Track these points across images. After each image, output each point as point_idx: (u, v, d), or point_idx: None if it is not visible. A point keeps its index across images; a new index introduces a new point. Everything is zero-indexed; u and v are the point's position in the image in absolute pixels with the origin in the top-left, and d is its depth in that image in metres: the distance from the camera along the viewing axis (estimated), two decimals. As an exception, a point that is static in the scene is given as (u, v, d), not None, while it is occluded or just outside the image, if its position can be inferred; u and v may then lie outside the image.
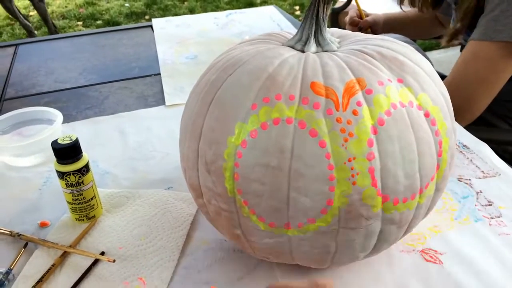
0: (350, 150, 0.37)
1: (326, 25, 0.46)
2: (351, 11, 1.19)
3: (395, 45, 0.45)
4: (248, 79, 0.41)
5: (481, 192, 0.61)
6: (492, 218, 0.57)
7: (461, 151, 0.69)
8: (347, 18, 1.20)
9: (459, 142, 0.71)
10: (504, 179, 0.63)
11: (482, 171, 0.65)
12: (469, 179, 0.63)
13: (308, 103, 0.38)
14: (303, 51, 0.45)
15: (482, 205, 0.59)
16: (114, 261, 0.51)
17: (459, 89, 0.83)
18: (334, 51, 0.45)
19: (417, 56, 0.45)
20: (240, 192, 0.40)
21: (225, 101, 0.41)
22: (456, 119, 0.78)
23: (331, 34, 0.49)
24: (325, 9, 0.45)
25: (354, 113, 0.38)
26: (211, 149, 0.41)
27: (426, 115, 0.40)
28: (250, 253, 0.47)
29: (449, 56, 2.39)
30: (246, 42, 0.49)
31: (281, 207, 0.39)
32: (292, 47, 0.46)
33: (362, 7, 1.30)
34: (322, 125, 0.37)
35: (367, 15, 1.19)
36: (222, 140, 0.40)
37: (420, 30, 1.23)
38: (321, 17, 0.45)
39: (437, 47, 2.65)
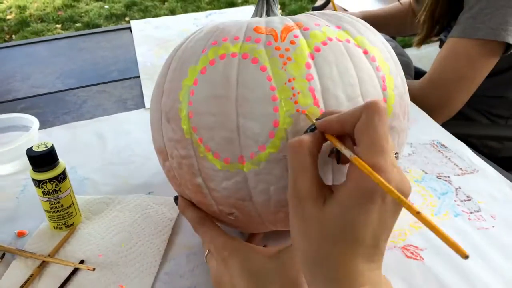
0: (289, 71, 0.40)
1: (277, 5, 0.50)
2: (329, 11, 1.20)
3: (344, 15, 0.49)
4: (202, 34, 0.45)
5: (459, 188, 0.62)
6: (471, 212, 0.57)
7: (439, 150, 0.69)
8: None
9: (438, 142, 0.71)
10: (482, 175, 0.64)
11: (461, 169, 0.65)
12: (448, 176, 0.64)
13: (250, 40, 0.42)
14: None
15: (461, 201, 0.59)
16: (93, 269, 0.50)
17: (438, 86, 0.84)
18: None
19: (365, 23, 0.48)
20: (195, 130, 0.42)
21: (182, 54, 0.45)
22: (435, 116, 0.79)
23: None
24: None
25: (292, 42, 0.41)
26: (169, 98, 0.44)
27: (365, 52, 0.43)
28: (214, 209, 0.46)
29: (428, 52, 2.42)
30: None
31: (233, 137, 0.40)
32: None
33: (346, 5, 1.30)
34: (263, 54, 0.41)
35: None
36: (178, 86, 0.43)
37: (398, 27, 1.24)
38: None
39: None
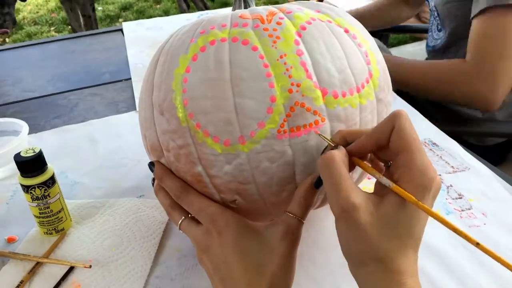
0: (280, 48, 0.41)
1: (253, 2, 0.52)
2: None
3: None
4: (187, 28, 0.46)
5: (451, 186, 0.62)
6: (462, 210, 0.57)
7: (430, 149, 0.69)
8: None
9: (429, 141, 0.71)
10: (473, 172, 0.64)
11: (452, 166, 0.65)
12: (440, 175, 0.64)
13: (238, 25, 0.44)
14: None
15: (453, 199, 0.59)
16: (90, 266, 0.51)
17: (479, 72, 0.79)
18: None
19: (339, 9, 0.50)
20: (191, 116, 0.42)
21: (170, 47, 0.45)
22: (482, 105, 0.78)
23: None
24: None
25: (278, 23, 0.43)
26: (161, 90, 0.44)
27: (346, 31, 0.45)
28: (216, 198, 0.45)
29: (422, 49, 2.42)
30: None
31: (231, 118, 0.41)
32: None
33: (337, 2, 1.29)
34: (252, 35, 0.42)
35: None
36: (169, 77, 0.43)
37: (390, 16, 1.24)
38: None
39: (410, 40, 2.69)
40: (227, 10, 1.40)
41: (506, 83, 0.80)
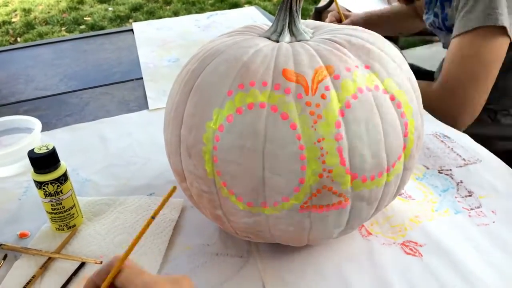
0: (319, 131, 0.40)
1: (300, 17, 0.48)
2: (331, 14, 1.19)
3: (365, 34, 0.47)
4: (224, 67, 0.43)
5: (461, 182, 0.61)
6: (471, 209, 0.57)
7: (442, 141, 0.69)
8: (327, 21, 1.21)
9: (440, 133, 0.71)
10: (485, 165, 0.64)
11: (463, 159, 0.65)
12: (450, 169, 0.64)
13: (279, 89, 0.40)
14: (277, 41, 0.47)
15: (462, 197, 0.59)
16: (101, 262, 0.52)
17: (453, 91, 0.81)
18: (307, 40, 0.47)
19: (385, 44, 0.47)
20: (219, 174, 0.42)
21: (203, 88, 0.43)
22: (456, 123, 0.78)
23: (306, 25, 0.51)
24: (298, 2, 0.47)
25: (323, 97, 0.40)
26: (191, 134, 0.43)
27: (392, 98, 0.43)
28: (232, 233, 0.49)
29: (432, 52, 2.41)
30: (225, 34, 0.52)
31: (257, 187, 0.41)
32: (268, 38, 0.49)
33: (349, 5, 1.29)
34: (293, 109, 0.40)
35: (347, 16, 1.19)
36: (201, 125, 0.42)
37: (400, 25, 1.24)
38: (295, 9, 0.48)
39: (420, 43, 2.67)
40: (235, 13, 1.40)
41: (478, 102, 0.80)
